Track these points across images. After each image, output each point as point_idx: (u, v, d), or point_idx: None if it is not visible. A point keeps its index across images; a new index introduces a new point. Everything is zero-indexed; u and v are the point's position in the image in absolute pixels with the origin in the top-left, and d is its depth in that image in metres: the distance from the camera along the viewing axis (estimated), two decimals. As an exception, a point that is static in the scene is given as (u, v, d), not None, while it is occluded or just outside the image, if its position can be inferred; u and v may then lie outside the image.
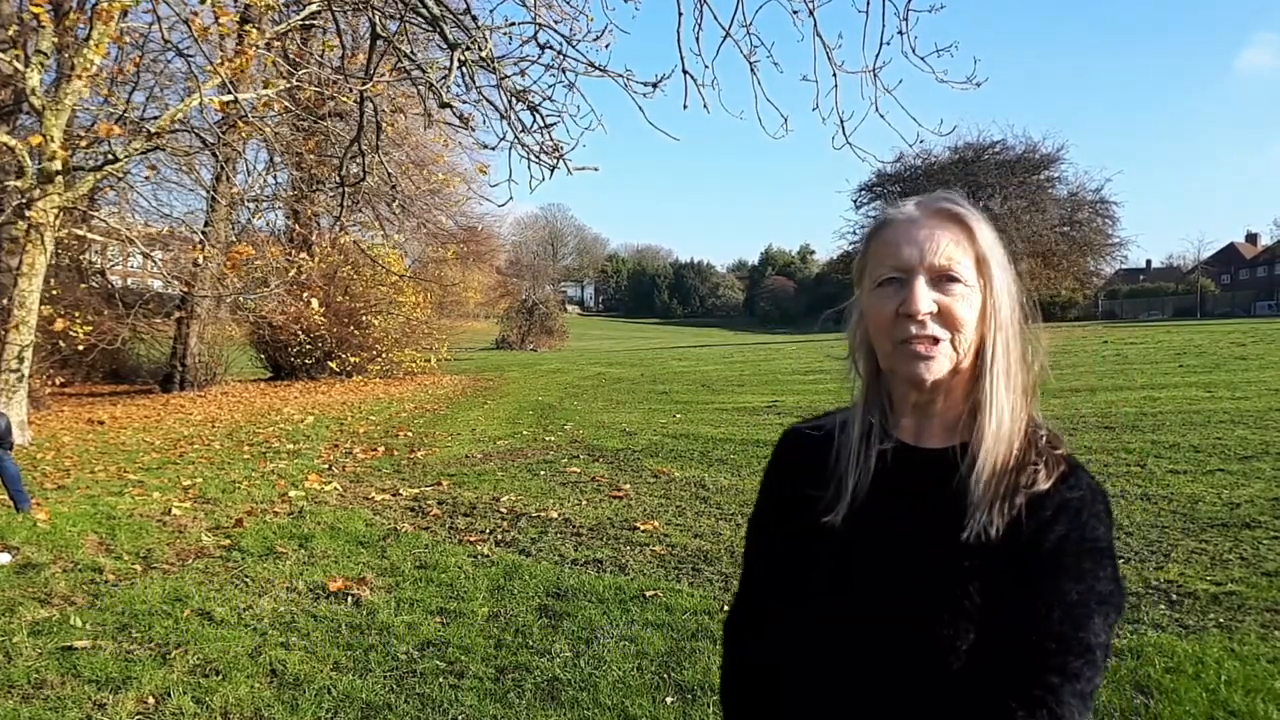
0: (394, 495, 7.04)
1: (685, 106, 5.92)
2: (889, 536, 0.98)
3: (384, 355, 20.98)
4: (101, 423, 12.48)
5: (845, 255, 46.26)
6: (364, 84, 6.77)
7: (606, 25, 7.41)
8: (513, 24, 6.46)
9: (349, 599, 4.40)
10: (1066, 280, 39.57)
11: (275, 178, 19.40)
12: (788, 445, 1.15)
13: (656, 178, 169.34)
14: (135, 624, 4.05)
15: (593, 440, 9.82)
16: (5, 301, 10.94)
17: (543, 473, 7.86)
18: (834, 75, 5.86)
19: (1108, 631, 0.92)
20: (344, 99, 10.09)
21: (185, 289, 16.55)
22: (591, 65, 6.33)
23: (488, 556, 5.11)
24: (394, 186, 11.42)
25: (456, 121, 7.48)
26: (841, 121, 6.02)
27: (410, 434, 10.92)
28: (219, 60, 8.48)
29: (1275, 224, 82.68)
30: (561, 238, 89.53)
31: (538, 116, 6.41)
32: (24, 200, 10.12)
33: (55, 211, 10.29)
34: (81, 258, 17.59)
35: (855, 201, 44.41)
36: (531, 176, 9.41)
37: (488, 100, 6.88)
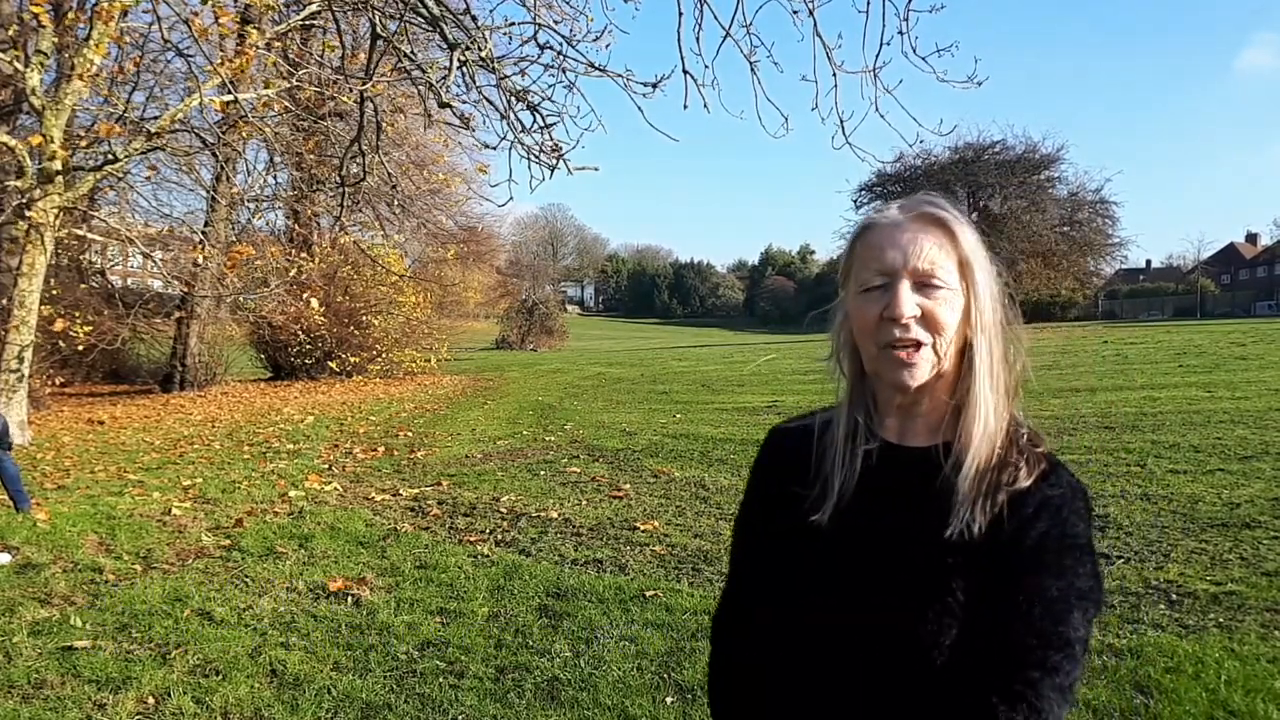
0: (394, 495, 7.04)
1: (685, 106, 5.92)
2: (874, 535, 0.99)
3: (384, 355, 20.98)
4: (101, 423, 12.48)
5: (845, 255, 46.06)
6: (364, 84, 6.77)
7: (606, 25, 7.41)
8: (513, 24, 6.46)
9: (349, 599, 4.40)
10: (1066, 280, 39.57)
11: (275, 178, 19.42)
12: (773, 444, 1.16)
13: (656, 178, 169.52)
14: (135, 624, 4.05)
15: (593, 440, 9.82)
16: (5, 301, 10.94)
17: (543, 473, 7.86)
18: (834, 75, 5.86)
19: (1087, 626, 0.93)
20: (344, 99, 10.09)
21: (185, 289, 16.55)
22: (591, 65, 6.33)
23: (488, 556, 5.11)
24: (394, 186, 11.43)
25: (456, 121, 7.49)
26: (841, 121, 6.02)
27: (410, 434, 10.92)
28: (219, 60, 8.48)
29: (1275, 224, 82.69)
30: (561, 238, 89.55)
31: (538, 116, 6.41)
32: (24, 200, 10.11)
33: (55, 211, 10.29)
34: (81, 258, 17.60)
35: (855, 201, 44.43)
36: (531, 176, 9.41)
37: (488, 100, 6.88)
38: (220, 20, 8.79)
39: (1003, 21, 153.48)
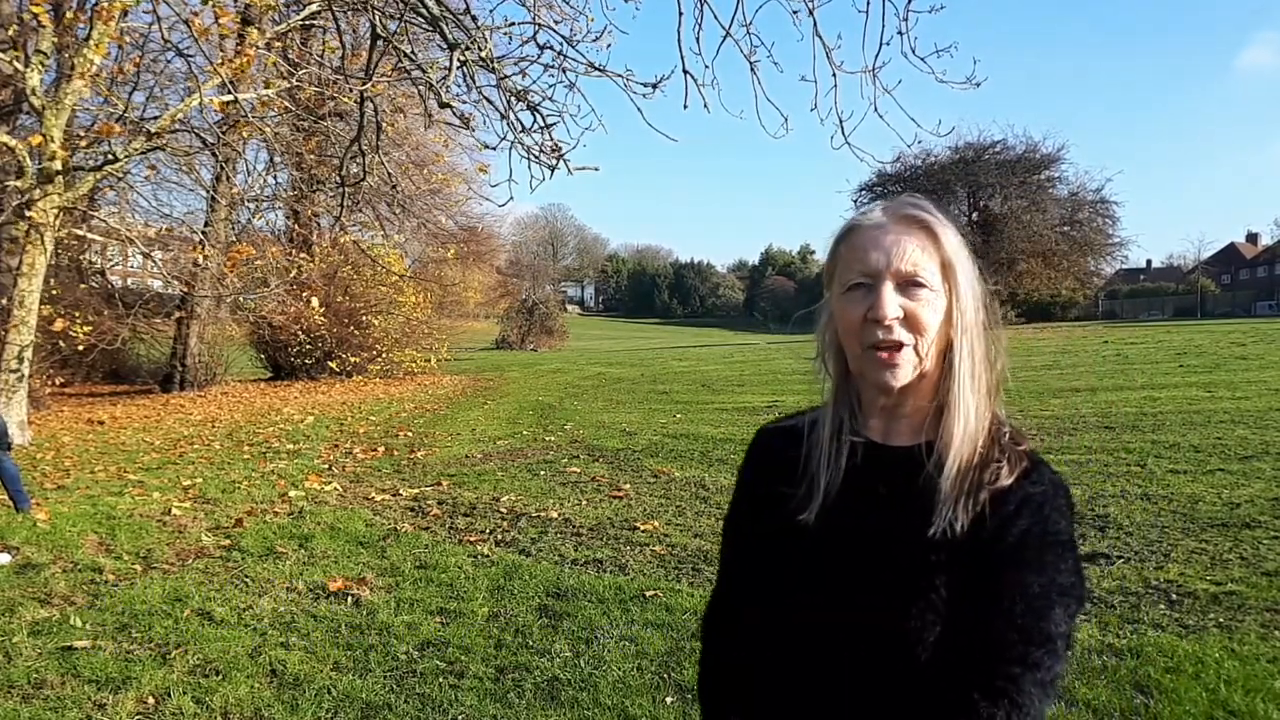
0: (394, 495, 7.04)
1: (685, 106, 5.92)
2: (859, 534, 1.00)
3: (384, 355, 20.98)
4: (101, 423, 12.48)
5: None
6: (364, 84, 6.77)
7: (606, 25, 7.41)
8: (513, 24, 6.46)
9: (349, 599, 4.40)
10: (1067, 280, 39.54)
11: (275, 178, 19.42)
12: (760, 445, 1.17)
13: (656, 178, 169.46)
14: (135, 624, 4.05)
15: (593, 440, 9.82)
16: (5, 301, 10.94)
17: (543, 473, 7.86)
18: (833, 75, 5.86)
19: (1069, 622, 0.94)
20: (344, 99, 10.09)
21: (185, 289, 16.55)
22: (591, 65, 6.33)
23: (488, 556, 5.10)
24: (394, 186, 11.43)
25: (456, 121, 7.49)
26: (840, 121, 6.02)
27: (410, 434, 10.92)
28: (219, 60, 8.48)
29: (1276, 224, 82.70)
30: (561, 238, 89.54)
31: (538, 116, 6.40)
32: (24, 200, 10.11)
33: (55, 211, 10.29)
34: (81, 258, 17.59)
35: (855, 201, 44.37)
36: (532, 176, 9.41)
37: (488, 100, 6.88)
38: (220, 20, 8.80)
39: (1002, 22, 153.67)
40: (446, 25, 5.83)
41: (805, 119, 6.28)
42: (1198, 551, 4.62)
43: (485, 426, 11.49)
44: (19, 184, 10.16)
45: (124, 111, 10.97)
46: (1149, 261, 72.42)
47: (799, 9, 5.97)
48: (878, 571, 0.97)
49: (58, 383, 15.78)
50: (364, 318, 20.47)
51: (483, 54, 5.88)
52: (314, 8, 8.13)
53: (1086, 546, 4.81)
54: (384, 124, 8.36)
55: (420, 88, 6.51)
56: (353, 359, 20.41)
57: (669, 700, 3.16)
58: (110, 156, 10.37)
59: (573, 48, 6.28)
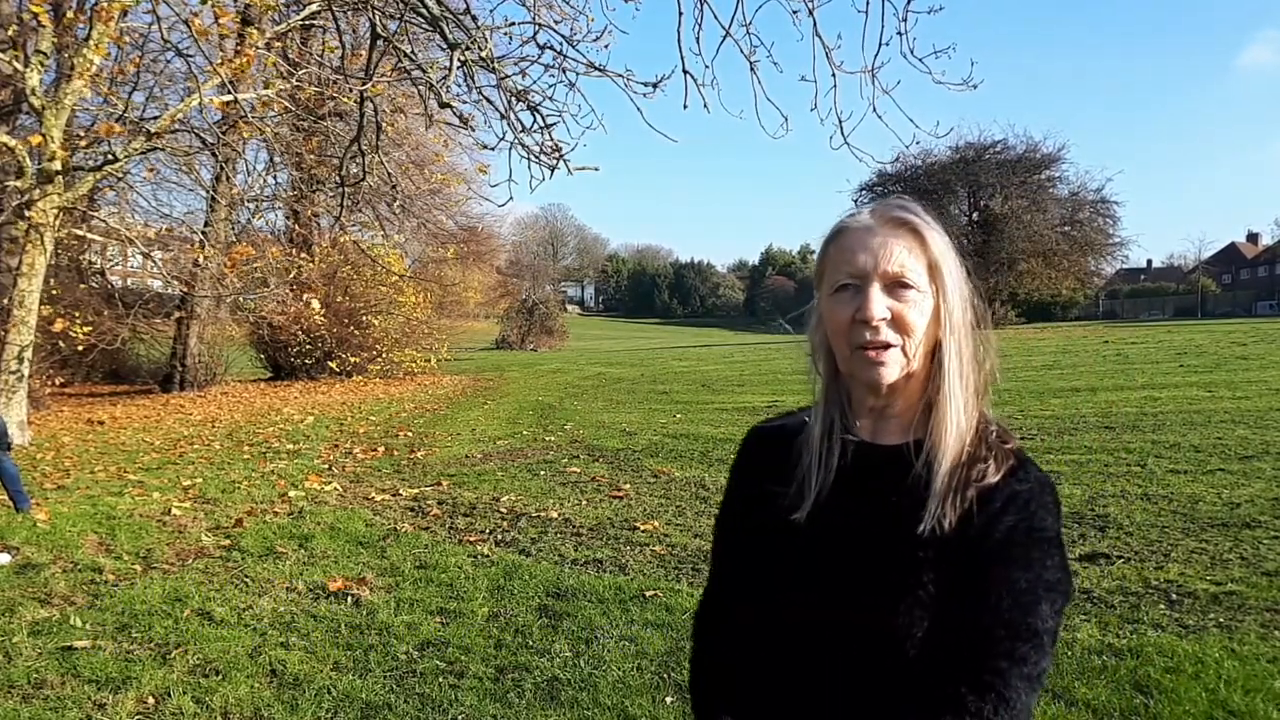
0: (394, 495, 7.04)
1: (685, 106, 5.92)
2: (848, 532, 1.01)
3: (384, 355, 20.98)
4: (101, 423, 12.48)
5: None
6: (364, 84, 6.77)
7: (606, 25, 7.41)
8: (513, 24, 6.46)
9: (349, 599, 4.40)
10: (1067, 280, 39.46)
11: (275, 178, 19.42)
12: (752, 444, 1.19)
13: (656, 178, 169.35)
14: (135, 624, 4.05)
15: (593, 440, 9.82)
16: (5, 301, 10.94)
17: (543, 473, 7.86)
18: (833, 75, 5.86)
19: (1056, 618, 0.95)
20: (344, 99, 10.09)
21: (185, 289, 16.55)
22: (591, 65, 6.33)
23: (488, 556, 5.10)
24: (394, 186, 11.42)
25: (456, 121, 7.49)
26: (840, 122, 6.02)
27: (410, 434, 10.92)
28: (219, 60, 8.48)
29: (1276, 223, 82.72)
30: (561, 238, 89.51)
31: (538, 116, 6.41)
32: (24, 200, 10.11)
33: (55, 211, 10.29)
34: (81, 258, 17.59)
35: (856, 201, 44.23)
36: (532, 176, 9.41)
37: (488, 100, 6.88)
38: (220, 20, 8.80)
39: (1001, 22, 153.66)
40: (446, 25, 5.83)
41: (805, 119, 6.29)
42: (1198, 551, 4.62)
43: (485, 426, 11.49)
44: (19, 184, 10.16)
45: (124, 111, 10.97)
46: (1149, 261, 72.42)
47: (799, 9, 5.98)
48: (867, 569, 0.99)
49: (58, 383, 15.77)
50: (364, 318, 20.47)
51: (483, 54, 5.88)
52: (314, 8, 8.13)
53: (1086, 546, 4.81)
54: (384, 124, 8.37)
55: (420, 88, 6.51)
56: (353, 359, 20.41)
57: (669, 700, 3.16)
58: (110, 156, 10.37)
59: (573, 47, 6.29)
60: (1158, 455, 7.15)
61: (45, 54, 10.48)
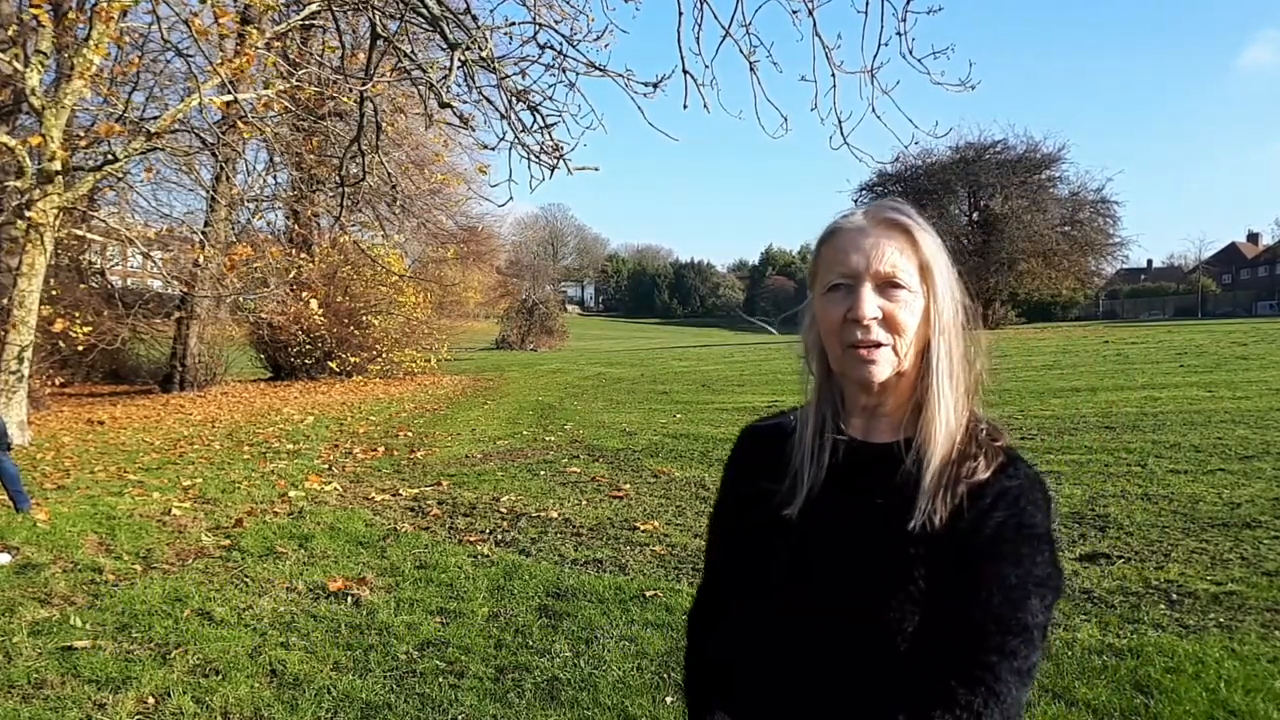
0: (394, 495, 7.04)
1: (685, 106, 5.93)
2: (840, 528, 1.03)
3: (384, 355, 20.98)
4: (101, 423, 12.48)
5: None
6: (364, 84, 6.77)
7: (607, 25, 7.41)
8: (513, 24, 6.46)
9: (349, 599, 4.40)
10: (1068, 280, 39.45)
11: (275, 178, 19.42)
12: (745, 442, 1.21)
13: (656, 178, 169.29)
14: (135, 624, 4.05)
15: (593, 440, 9.82)
16: (5, 301, 10.94)
17: (543, 473, 7.86)
18: (833, 75, 5.86)
19: (1045, 613, 0.96)
20: (344, 99, 10.09)
21: (185, 289, 16.55)
22: (592, 65, 6.33)
23: (488, 556, 5.10)
24: (394, 186, 11.42)
25: (457, 121, 7.49)
26: (840, 122, 6.02)
27: (410, 434, 10.92)
28: (219, 60, 8.48)
29: (1276, 223, 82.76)
30: (561, 238, 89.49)
31: (538, 116, 6.41)
32: (24, 200, 10.11)
33: (55, 211, 10.29)
34: (81, 258, 17.58)
35: (856, 201, 44.03)
36: (532, 176, 9.41)
37: (488, 100, 6.89)
38: (220, 20, 8.80)
39: (1000, 23, 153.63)
40: (447, 25, 5.83)
41: (805, 119, 6.29)
42: (1198, 551, 4.62)
43: (485, 426, 11.49)
44: (19, 184, 10.16)
45: (124, 111, 10.97)
46: (1150, 261, 72.44)
47: (799, 9, 5.98)
48: (859, 564, 1.00)
49: (58, 383, 15.77)
50: (364, 318, 20.47)
51: (483, 54, 5.88)
52: (314, 8, 8.13)
53: (1087, 546, 4.81)
54: (384, 124, 8.37)
55: (420, 88, 6.51)
56: (353, 359, 20.41)
57: (669, 700, 3.16)
58: (110, 156, 10.37)
59: (573, 47, 6.29)
60: (1158, 455, 7.15)
61: (45, 54, 10.48)
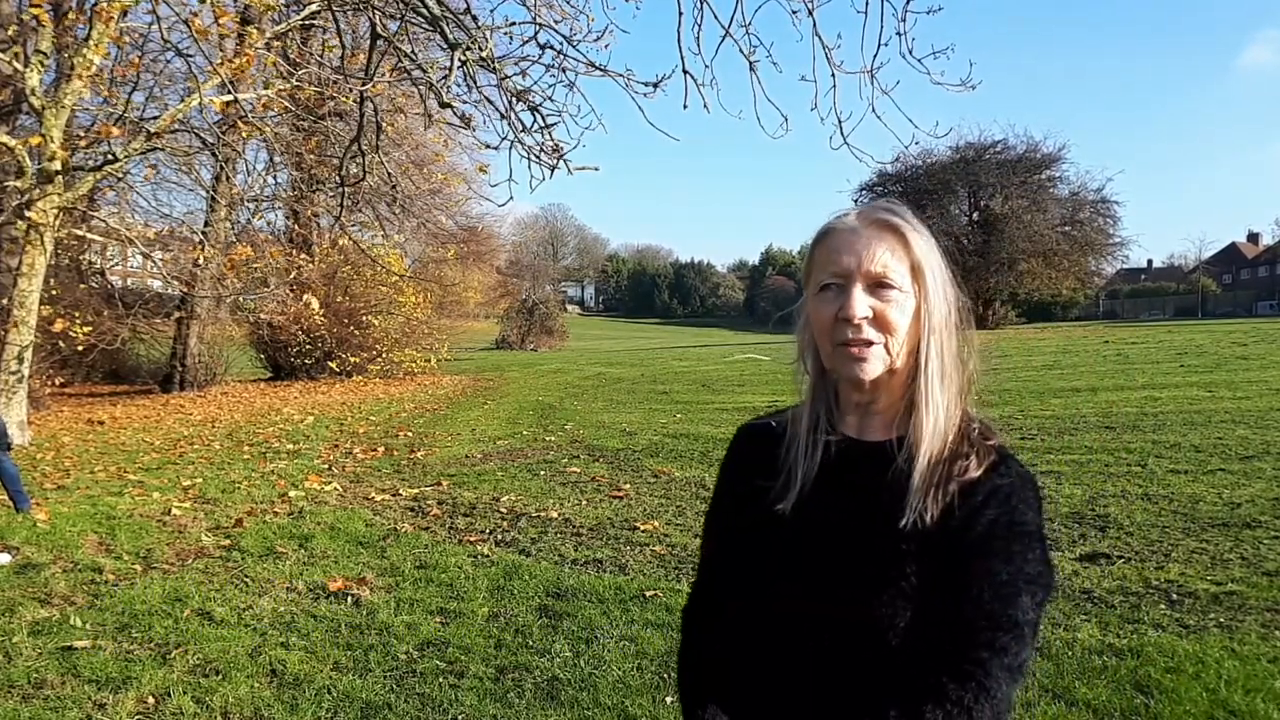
0: (394, 495, 7.04)
1: (685, 106, 5.92)
2: (833, 524, 1.04)
3: (384, 355, 20.97)
4: (101, 423, 12.48)
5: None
6: (364, 84, 6.77)
7: (607, 25, 7.40)
8: (513, 24, 6.46)
9: (349, 599, 4.40)
10: (1068, 280, 39.48)
11: (275, 178, 19.42)
12: (741, 441, 1.22)
13: (656, 178, 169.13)
14: (135, 624, 4.05)
15: (593, 440, 9.82)
16: (5, 301, 10.94)
17: (543, 473, 7.86)
18: (832, 75, 5.86)
19: (1037, 610, 0.97)
20: (344, 99, 10.09)
21: (185, 289, 16.55)
22: (592, 65, 6.33)
23: (488, 556, 5.10)
24: (394, 186, 11.43)
25: (457, 121, 7.48)
26: (840, 122, 6.02)
27: (410, 434, 10.92)
28: (219, 60, 8.48)
29: (1277, 223, 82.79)
30: (561, 238, 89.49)
31: (538, 116, 6.40)
32: (24, 200, 10.11)
33: (55, 211, 10.29)
34: (81, 258, 17.58)
35: (856, 201, 43.98)
36: (532, 176, 9.42)
37: (488, 100, 6.89)
38: (220, 20, 8.80)
39: (1001, 23, 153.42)
40: (447, 25, 5.83)
41: (805, 119, 6.29)
42: (1198, 551, 4.62)
43: (485, 426, 11.48)
44: (19, 184, 10.16)
45: (124, 111, 10.97)
46: (1150, 261, 72.45)
47: (799, 9, 5.98)
48: (849, 560, 1.01)
49: (58, 383, 15.77)
50: (364, 318, 20.47)
51: (483, 54, 5.87)
52: (314, 8, 8.13)
53: (1087, 546, 4.81)
54: (384, 124, 8.36)
55: (420, 88, 6.51)
56: (353, 359, 20.41)
57: (669, 700, 3.16)
58: (110, 156, 10.37)
59: (573, 47, 6.29)
60: (1158, 455, 7.15)
61: (45, 54, 10.48)
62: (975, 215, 39.51)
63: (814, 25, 5.91)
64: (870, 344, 1.01)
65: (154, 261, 15.14)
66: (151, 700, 3.27)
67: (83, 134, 12.11)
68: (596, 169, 6.98)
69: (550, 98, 6.45)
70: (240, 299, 18.98)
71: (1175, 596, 3.98)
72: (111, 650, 3.73)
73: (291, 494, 7.05)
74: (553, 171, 6.60)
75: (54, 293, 13.01)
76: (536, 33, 6.17)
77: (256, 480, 7.78)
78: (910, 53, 5.85)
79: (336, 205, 12.65)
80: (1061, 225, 38.12)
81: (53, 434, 11.18)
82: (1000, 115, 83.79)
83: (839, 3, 6.28)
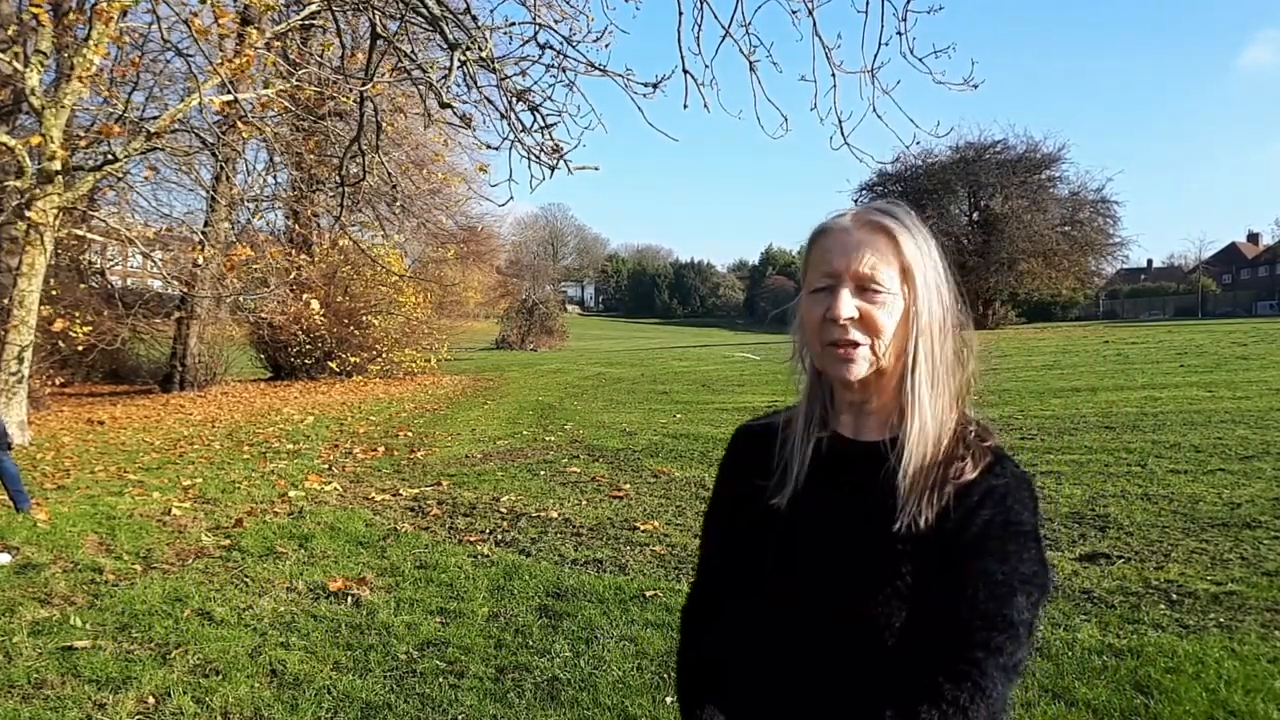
0: (394, 495, 7.04)
1: (685, 106, 5.92)
2: (828, 522, 1.05)
3: (384, 355, 20.97)
4: (101, 423, 12.48)
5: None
6: (364, 84, 6.76)
7: (607, 25, 7.41)
8: (513, 24, 6.46)
9: (349, 599, 4.40)
10: (1068, 280, 39.48)
11: (275, 178, 19.42)
12: (740, 441, 1.23)
13: (656, 178, 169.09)
14: (135, 624, 4.05)
15: (593, 440, 9.82)
16: (5, 301, 10.94)
17: (543, 473, 7.86)
18: (833, 75, 5.85)
19: (1032, 610, 0.97)
20: (344, 99, 10.09)
21: (185, 289, 16.55)
22: (591, 65, 6.33)
23: (488, 556, 5.10)
24: (394, 186, 11.42)
25: (457, 121, 7.48)
26: (840, 122, 6.01)
27: (410, 434, 10.92)
28: (219, 60, 8.48)
29: (1277, 223, 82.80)
30: (561, 238, 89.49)
31: (538, 116, 6.40)
32: (24, 200, 10.11)
33: (55, 211, 10.29)
34: (81, 258, 17.59)
35: (856, 201, 44.12)
36: (532, 176, 9.41)
37: (488, 100, 6.88)
38: (220, 20, 8.79)
39: (1001, 22, 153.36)
40: (447, 25, 5.82)
41: (805, 119, 6.28)
42: (1198, 551, 4.62)
43: (485, 426, 11.48)
44: (19, 184, 10.16)
45: (124, 111, 10.96)
46: (1150, 261, 72.44)
47: (799, 9, 5.98)
48: (843, 560, 1.02)
49: (58, 383, 15.77)
50: (364, 318, 20.46)
51: (483, 54, 5.87)
52: (314, 8, 8.12)
53: (1087, 546, 4.81)
54: (384, 124, 8.36)
55: (420, 88, 6.51)
56: (353, 359, 20.40)
57: (669, 700, 3.16)
58: (110, 156, 10.37)
59: (573, 47, 6.28)
60: (1158, 455, 7.15)
61: (45, 54, 10.48)
62: (975, 215, 39.51)
63: (814, 25, 5.91)
64: (856, 345, 1.02)
65: (154, 261, 15.12)
66: (151, 700, 3.27)
67: (83, 134, 12.11)
68: (596, 169, 6.97)
69: (550, 98, 6.45)
70: (240, 299, 18.97)
71: (1175, 596, 3.98)
72: (111, 650, 3.73)
73: (291, 494, 7.05)
74: (553, 171, 6.59)
75: (54, 293, 13.01)
76: (536, 33, 6.17)
77: (256, 480, 7.78)
78: (911, 52, 5.85)
79: (336, 205, 12.65)
80: (1061, 225, 38.13)
81: (53, 434, 11.18)
82: (1000, 115, 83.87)
83: (839, 2, 6.28)
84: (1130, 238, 56.49)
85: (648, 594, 4.29)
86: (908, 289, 1.03)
